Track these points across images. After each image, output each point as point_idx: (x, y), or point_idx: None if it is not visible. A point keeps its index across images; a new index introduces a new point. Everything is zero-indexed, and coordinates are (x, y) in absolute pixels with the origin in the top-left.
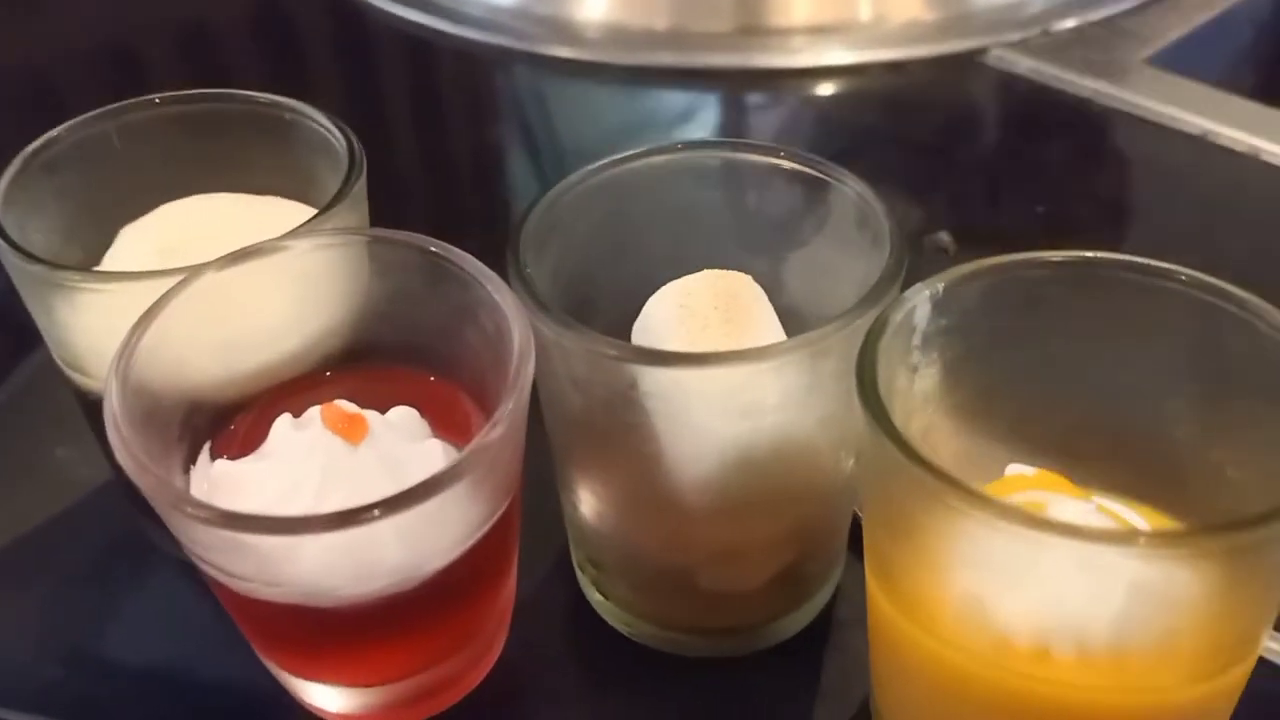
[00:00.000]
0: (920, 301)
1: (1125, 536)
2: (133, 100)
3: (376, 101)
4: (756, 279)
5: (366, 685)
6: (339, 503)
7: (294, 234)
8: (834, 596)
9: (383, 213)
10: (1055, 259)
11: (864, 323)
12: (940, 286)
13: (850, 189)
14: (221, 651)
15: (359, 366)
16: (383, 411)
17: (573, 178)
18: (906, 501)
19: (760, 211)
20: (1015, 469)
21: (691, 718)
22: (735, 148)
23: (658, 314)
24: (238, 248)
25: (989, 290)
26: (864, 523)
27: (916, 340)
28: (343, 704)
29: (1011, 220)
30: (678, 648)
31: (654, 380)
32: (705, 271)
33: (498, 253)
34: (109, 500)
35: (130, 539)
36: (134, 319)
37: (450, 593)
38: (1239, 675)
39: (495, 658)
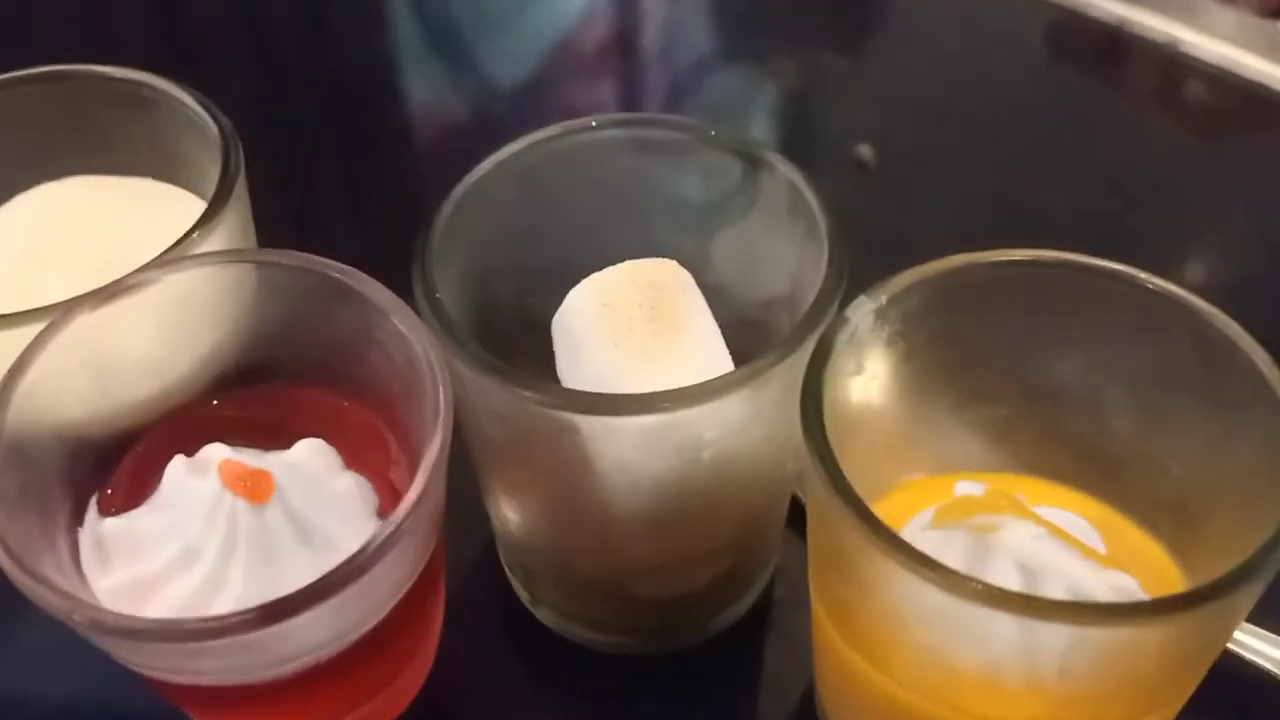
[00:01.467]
0: (862, 317)
1: (1071, 611)
2: None
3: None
4: (682, 258)
5: None
6: (245, 569)
7: (173, 260)
8: (771, 577)
9: (267, 199)
10: (998, 259)
11: (805, 349)
12: (884, 298)
13: (782, 173)
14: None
15: (253, 389)
16: (284, 442)
17: (480, 168)
18: (857, 555)
19: (685, 190)
20: (964, 487)
21: (633, 716)
22: (655, 124)
23: (578, 312)
24: (106, 241)
25: (931, 294)
26: (811, 556)
27: (860, 354)
28: None
29: (931, 132)
30: (614, 648)
31: (583, 423)
32: (627, 263)
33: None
34: None
35: None
36: None
37: (379, 644)
38: (1177, 706)
39: (428, 669)
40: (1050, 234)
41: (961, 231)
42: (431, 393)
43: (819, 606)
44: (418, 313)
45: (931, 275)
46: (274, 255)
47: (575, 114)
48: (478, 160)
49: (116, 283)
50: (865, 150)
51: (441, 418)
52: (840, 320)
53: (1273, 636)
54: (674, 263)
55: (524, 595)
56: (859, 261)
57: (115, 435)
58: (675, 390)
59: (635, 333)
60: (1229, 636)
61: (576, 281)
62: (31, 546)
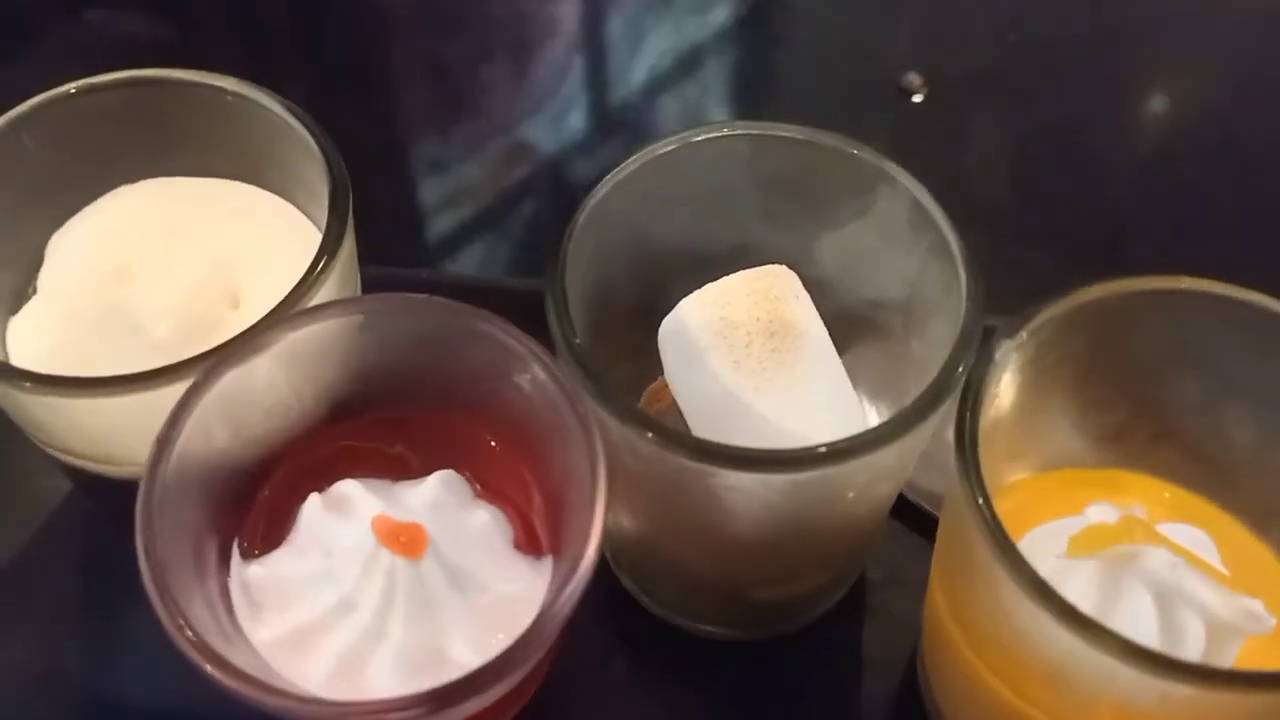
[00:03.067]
0: (1004, 355)
1: (1203, 676)
2: (41, 96)
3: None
4: (789, 254)
5: None
6: (404, 621)
7: (305, 313)
8: None
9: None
10: (1130, 290)
11: (954, 393)
12: (1024, 335)
13: (903, 186)
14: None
15: (377, 414)
16: (412, 471)
17: (599, 189)
18: (1001, 595)
19: (801, 193)
20: (1096, 513)
21: (741, 700)
22: (768, 136)
23: (695, 325)
24: (200, 253)
25: (1066, 324)
26: (940, 543)
27: (998, 384)
28: None
29: (982, 56)
30: (719, 637)
31: (732, 476)
32: (740, 274)
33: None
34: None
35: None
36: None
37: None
38: None
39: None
40: (1107, 177)
41: (1012, 168)
42: (584, 449)
43: (946, 615)
44: (553, 350)
45: (1069, 309)
46: (405, 302)
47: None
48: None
49: (251, 339)
50: (913, 79)
51: (601, 482)
52: (986, 363)
53: None
54: (783, 268)
55: (628, 584)
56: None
57: (248, 474)
58: (831, 446)
59: (754, 349)
60: None
61: (684, 274)
62: (190, 599)
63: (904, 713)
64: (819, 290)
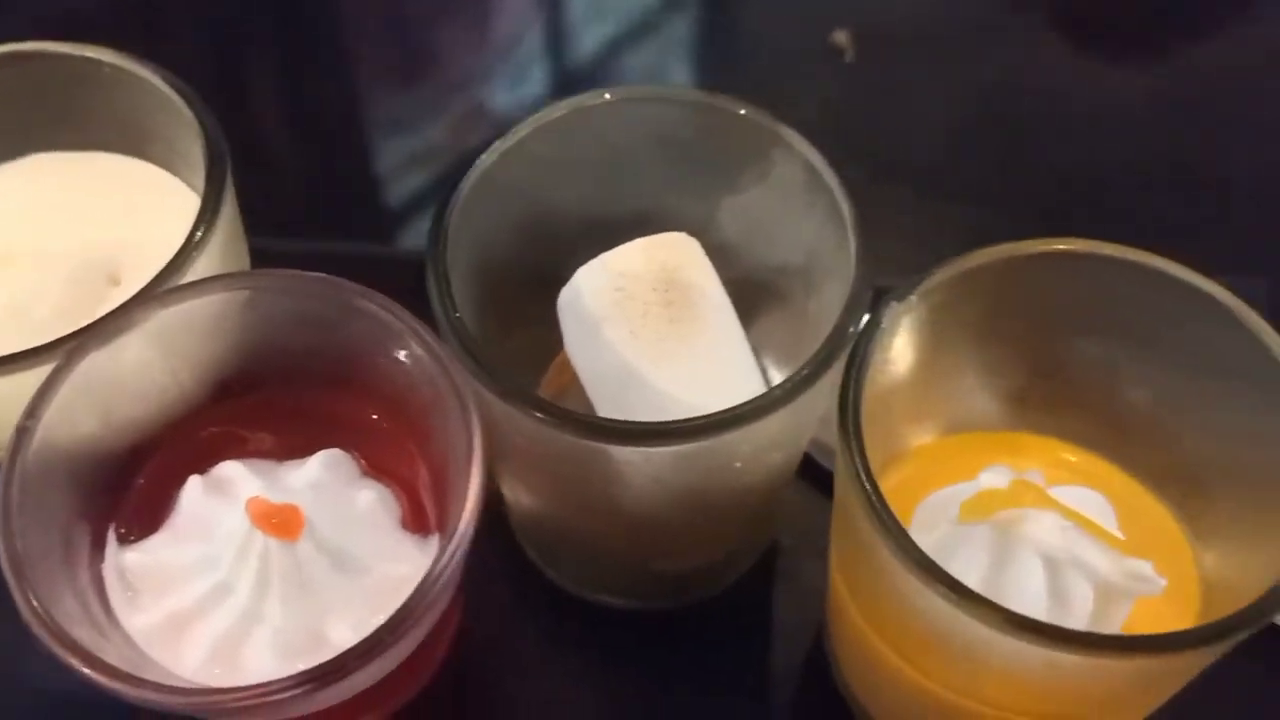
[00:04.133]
0: (893, 319)
1: (1089, 643)
2: None
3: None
4: (692, 222)
5: None
6: (282, 603)
7: (177, 290)
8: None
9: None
10: (1025, 253)
11: (840, 360)
12: (914, 298)
13: (798, 152)
14: None
15: (259, 397)
16: (297, 451)
17: (484, 158)
18: (886, 567)
19: (697, 159)
20: (989, 478)
21: (652, 670)
22: (663, 99)
23: (591, 295)
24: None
25: (959, 288)
26: (835, 541)
27: (888, 349)
28: None
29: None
30: (628, 607)
31: (617, 451)
32: (638, 242)
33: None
34: None
35: None
36: None
37: (406, 663)
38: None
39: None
40: (1038, 141)
41: (946, 131)
42: (462, 424)
43: (840, 584)
44: (435, 328)
45: (961, 272)
46: (280, 278)
47: None
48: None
49: (119, 318)
50: (842, 37)
51: (477, 456)
52: (874, 329)
53: None
54: (684, 236)
55: (535, 558)
56: (836, 164)
57: (122, 459)
58: (715, 417)
59: (651, 318)
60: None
61: (581, 244)
62: (56, 592)
63: (813, 679)
64: (722, 258)
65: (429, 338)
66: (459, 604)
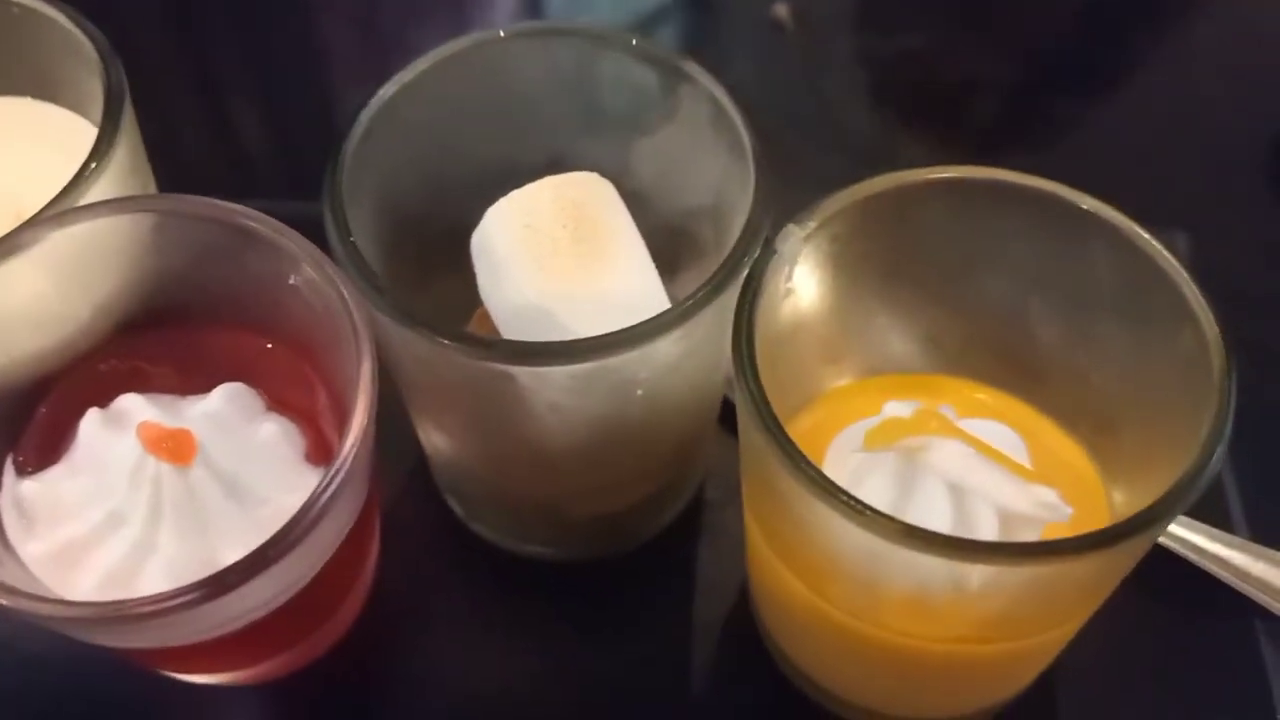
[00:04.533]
0: (792, 247)
1: (993, 552)
2: None
3: None
4: (602, 168)
5: (240, 669)
6: (176, 533)
7: (66, 213)
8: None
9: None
10: (925, 179)
11: (735, 282)
12: (812, 225)
13: (703, 86)
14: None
15: (163, 332)
16: (201, 386)
17: (385, 90)
18: (790, 494)
19: (602, 100)
20: (893, 408)
21: (574, 623)
22: (567, 33)
23: (499, 233)
24: None
25: (858, 217)
26: (744, 479)
27: (788, 280)
28: (220, 680)
29: None
30: (551, 558)
31: (512, 371)
32: (546, 180)
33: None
34: None
35: None
36: None
37: (318, 588)
38: (1073, 628)
39: (366, 593)
40: (975, 107)
41: (882, 102)
42: (354, 348)
43: (751, 521)
44: (331, 255)
45: (859, 199)
46: (172, 202)
47: None
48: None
49: (7, 239)
50: (782, 9)
51: (366, 379)
52: (769, 254)
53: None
54: (595, 175)
55: (458, 510)
56: (776, 136)
57: (21, 391)
58: (605, 336)
59: (560, 255)
60: (1142, 555)
61: (494, 191)
62: None
63: (737, 632)
64: (635, 205)
65: (323, 262)
66: (371, 553)
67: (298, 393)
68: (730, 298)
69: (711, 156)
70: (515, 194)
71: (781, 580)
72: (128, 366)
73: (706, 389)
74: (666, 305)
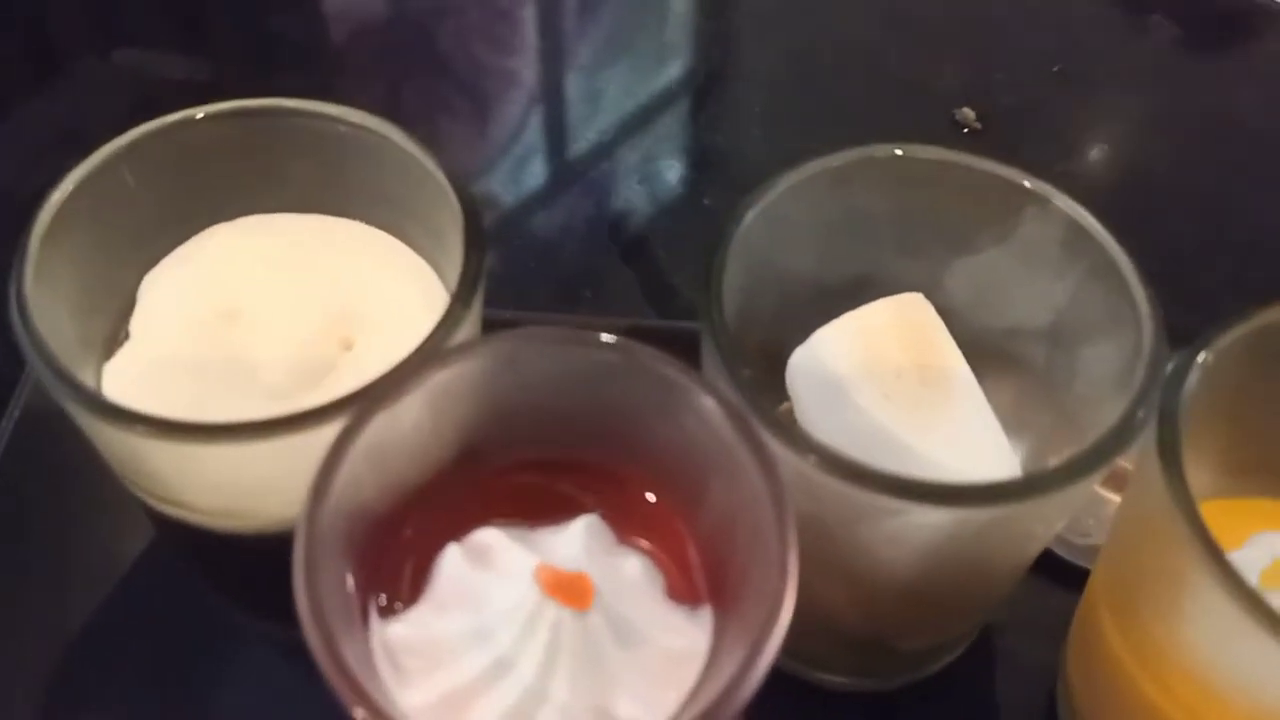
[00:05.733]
0: (1192, 382)
1: None
2: (144, 128)
3: None
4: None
5: None
6: (570, 680)
7: (456, 349)
8: None
9: None
10: None
11: (1137, 436)
12: (1210, 357)
13: (1057, 208)
14: None
15: (505, 459)
16: (550, 518)
17: (747, 216)
18: (1192, 591)
19: (939, 218)
20: (1268, 540)
21: None
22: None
23: (836, 356)
24: (320, 295)
25: (1244, 350)
26: (1108, 564)
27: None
28: None
29: (1029, 86)
30: (842, 687)
31: (921, 512)
32: (880, 301)
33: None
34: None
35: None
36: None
37: None
38: None
39: None
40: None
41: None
42: (768, 494)
43: (1115, 638)
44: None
45: (1248, 331)
46: (554, 334)
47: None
48: None
49: (399, 377)
50: (968, 113)
51: (789, 529)
52: (1174, 391)
53: None
54: (921, 296)
55: None
56: None
57: (385, 526)
58: (1032, 477)
59: (905, 381)
60: None
61: (811, 314)
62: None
63: None
64: (949, 321)
65: (717, 393)
66: None
67: (649, 527)
68: (1133, 440)
69: (1054, 279)
70: (851, 315)
71: (1146, 700)
72: (474, 496)
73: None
74: (1005, 442)
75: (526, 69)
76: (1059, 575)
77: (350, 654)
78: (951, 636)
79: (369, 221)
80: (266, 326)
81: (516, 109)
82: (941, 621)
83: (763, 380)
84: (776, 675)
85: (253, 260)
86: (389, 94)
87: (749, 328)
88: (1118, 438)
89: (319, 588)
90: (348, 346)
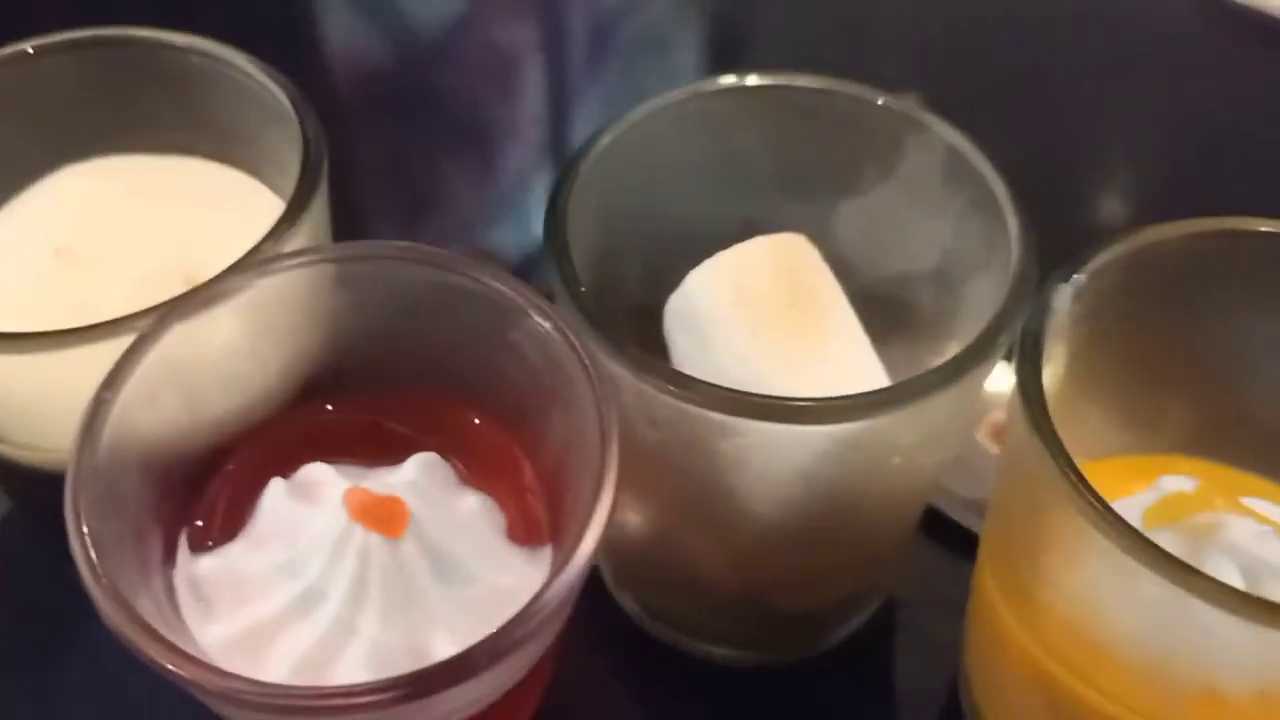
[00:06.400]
0: (1061, 302)
1: None
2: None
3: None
4: (804, 230)
5: None
6: (380, 614)
7: (269, 260)
8: None
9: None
10: (1187, 232)
11: (1000, 345)
12: (1083, 279)
13: (938, 135)
14: None
15: (349, 397)
16: (388, 457)
17: (603, 139)
18: (1066, 536)
19: (813, 156)
20: (1171, 483)
21: None
22: (779, 88)
23: (707, 296)
24: (160, 237)
25: (1126, 269)
26: (991, 527)
27: (1051, 337)
28: None
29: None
30: (732, 661)
31: (765, 430)
32: (755, 240)
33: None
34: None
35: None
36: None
37: (514, 697)
38: None
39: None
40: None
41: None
42: (591, 409)
43: (1000, 602)
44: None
45: (1125, 252)
46: (389, 250)
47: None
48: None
49: (208, 288)
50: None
51: (612, 445)
52: (1043, 313)
53: None
54: (802, 238)
55: (634, 609)
56: None
57: (200, 458)
58: (880, 393)
59: (775, 320)
60: None
61: (688, 258)
62: (131, 586)
63: None
64: (836, 268)
65: (554, 312)
66: (555, 650)
67: (493, 464)
68: (993, 358)
69: (938, 216)
70: (724, 255)
71: (1044, 675)
72: (309, 434)
73: (936, 468)
74: (885, 378)
75: (531, 119)
76: (969, 549)
77: (139, 586)
78: (835, 597)
79: (225, 161)
80: (107, 265)
81: (522, 158)
82: (819, 578)
83: (653, 343)
84: (665, 651)
85: (98, 200)
86: (392, 145)
87: (622, 265)
88: (971, 354)
89: (84, 503)
90: (191, 285)
